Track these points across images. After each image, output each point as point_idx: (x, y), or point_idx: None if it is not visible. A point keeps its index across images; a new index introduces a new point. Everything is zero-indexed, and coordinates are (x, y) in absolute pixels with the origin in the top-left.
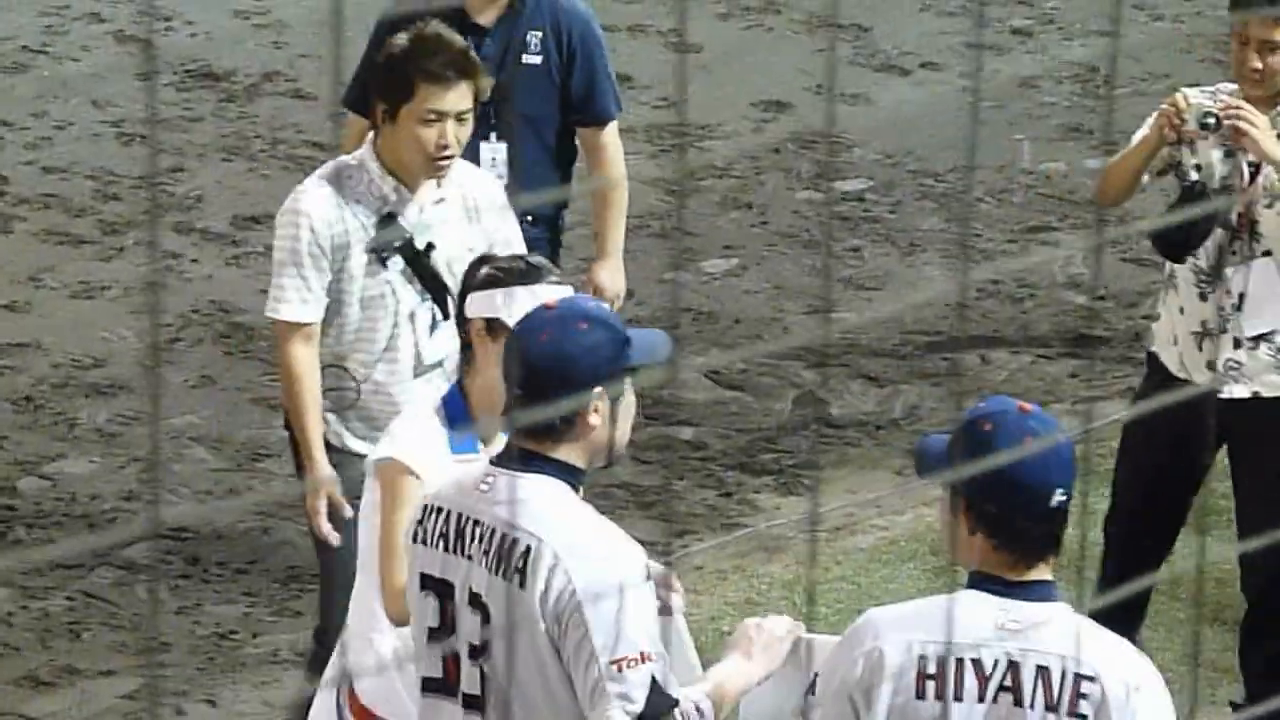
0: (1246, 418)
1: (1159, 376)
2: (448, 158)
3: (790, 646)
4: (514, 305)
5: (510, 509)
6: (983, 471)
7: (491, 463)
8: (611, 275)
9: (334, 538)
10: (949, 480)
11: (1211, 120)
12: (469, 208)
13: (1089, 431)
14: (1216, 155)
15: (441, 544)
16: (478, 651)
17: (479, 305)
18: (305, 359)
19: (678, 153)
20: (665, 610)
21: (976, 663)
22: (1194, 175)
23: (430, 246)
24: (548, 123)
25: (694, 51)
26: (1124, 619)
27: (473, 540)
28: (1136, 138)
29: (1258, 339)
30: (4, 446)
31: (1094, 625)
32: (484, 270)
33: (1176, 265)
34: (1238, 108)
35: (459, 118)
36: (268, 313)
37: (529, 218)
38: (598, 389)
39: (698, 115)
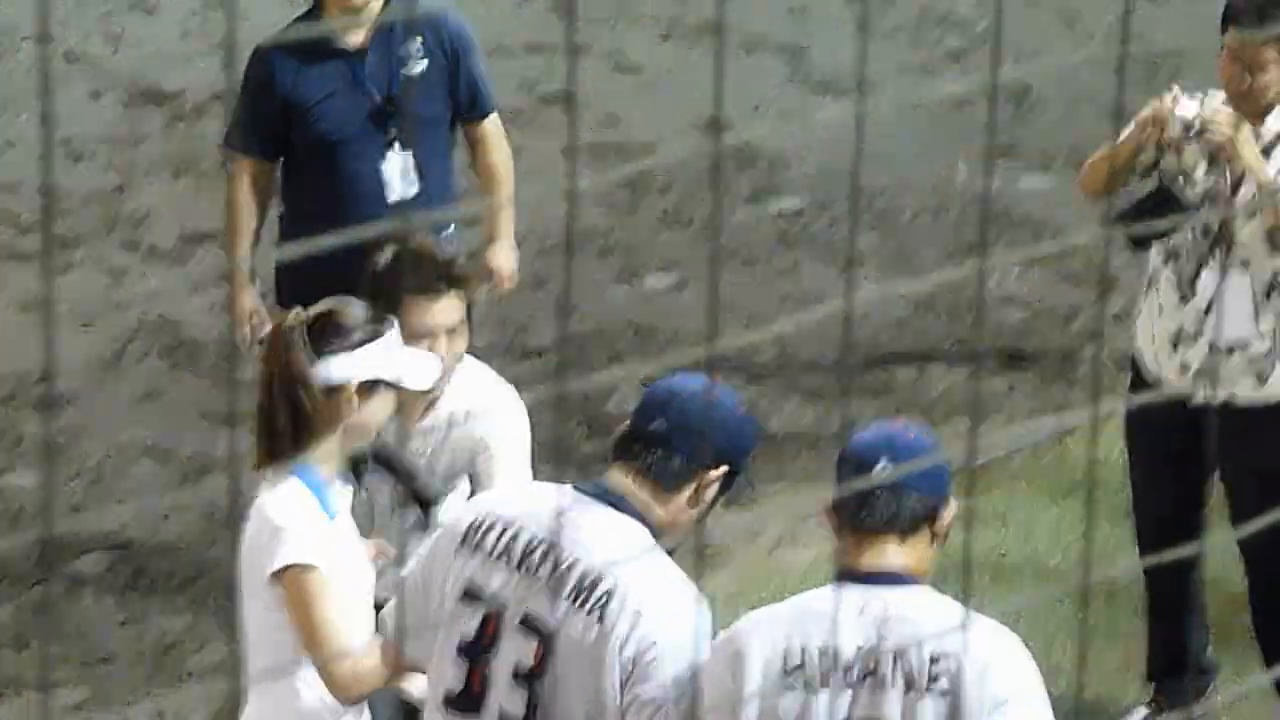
0: (1225, 425)
1: (1137, 377)
2: (441, 378)
3: None
4: (387, 359)
5: (595, 546)
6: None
7: (576, 488)
8: (506, 256)
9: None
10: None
11: (1194, 127)
12: (455, 422)
13: (1038, 445)
14: (1202, 165)
15: (503, 561)
16: (529, 674)
17: (357, 367)
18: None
19: (616, 168)
20: None
21: (837, 652)
22: (1182, 181)
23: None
24: (440, 124)
25: (635, 72)
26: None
27: (544, 563)
28: (1123, 135)
29: (1232, 347)
30: None
31: (952, 604)
32: (337, 328)
33: (1160, 266)
34: (1219, 116)
35: (450, 333)
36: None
37: (451, 228)
38: (724, 468)
39: (639, 134)
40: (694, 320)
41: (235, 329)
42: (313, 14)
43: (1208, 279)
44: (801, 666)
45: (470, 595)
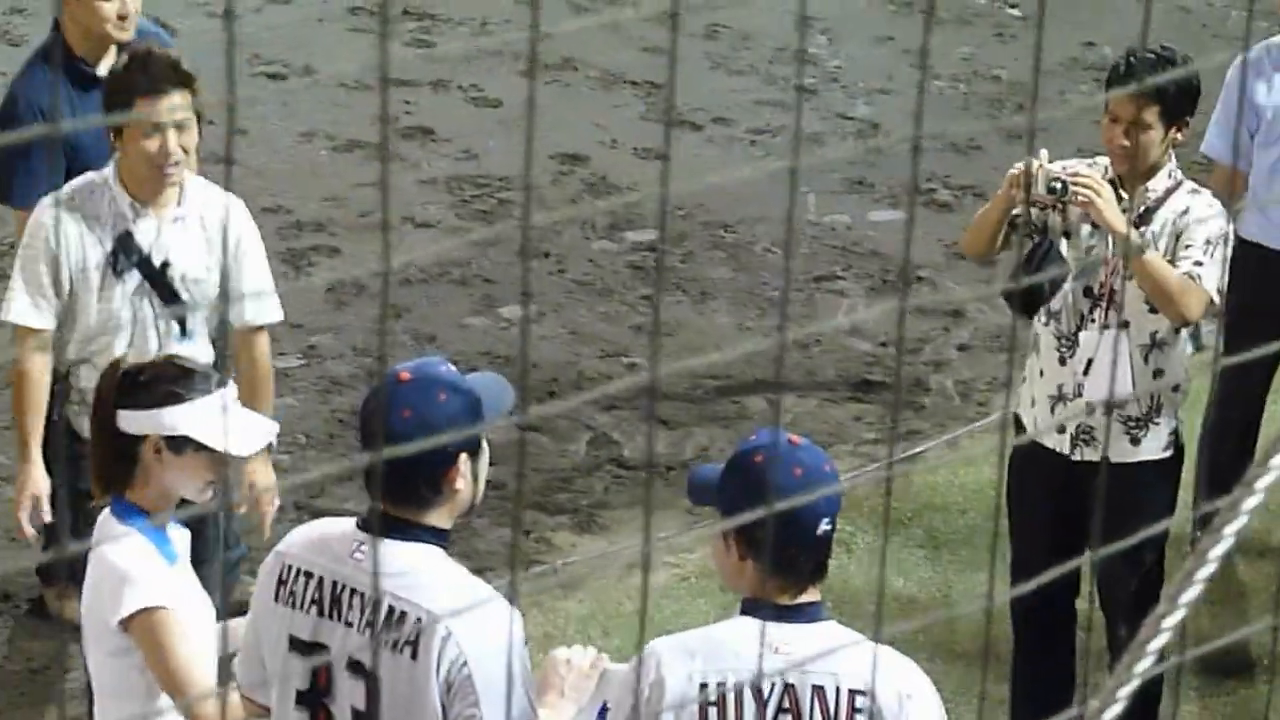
0: (1094, 481)
1: (1021, 436)
2: (173, 166)
3: (596, 679)
4: (198, 417)
5: (396, 581)
6: (751, 502)
7: (359, 527)
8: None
9: (30, 533)
10: (714, 504)
11: (1059, 185)
12: (207, 229)
13: (888, 479)
14: (1086, 224)
15: (315, 609)
16: (362, 716)
17: (151, 423)
18: (35, 362)
19: (481, 202)
20: None
21: (756, 689)
22: (1055, 238)
23: (166, 264)
24: None
25: (494, 106)
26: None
27: (351, 608)
28: (994, 196)
29: (1110, 406)
30: None
31: (862, 640)
32: (141, 382)
33: (1041, 329)
34: (1082, 176)
35: (179, 127)
36: (1, 316)
37: None
38: (463, 455)
39: (497, 168)
40: (549, 349)
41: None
42: (55, 52)
43: (1086, 339)
44: (718, 702)
45: (295, 646)
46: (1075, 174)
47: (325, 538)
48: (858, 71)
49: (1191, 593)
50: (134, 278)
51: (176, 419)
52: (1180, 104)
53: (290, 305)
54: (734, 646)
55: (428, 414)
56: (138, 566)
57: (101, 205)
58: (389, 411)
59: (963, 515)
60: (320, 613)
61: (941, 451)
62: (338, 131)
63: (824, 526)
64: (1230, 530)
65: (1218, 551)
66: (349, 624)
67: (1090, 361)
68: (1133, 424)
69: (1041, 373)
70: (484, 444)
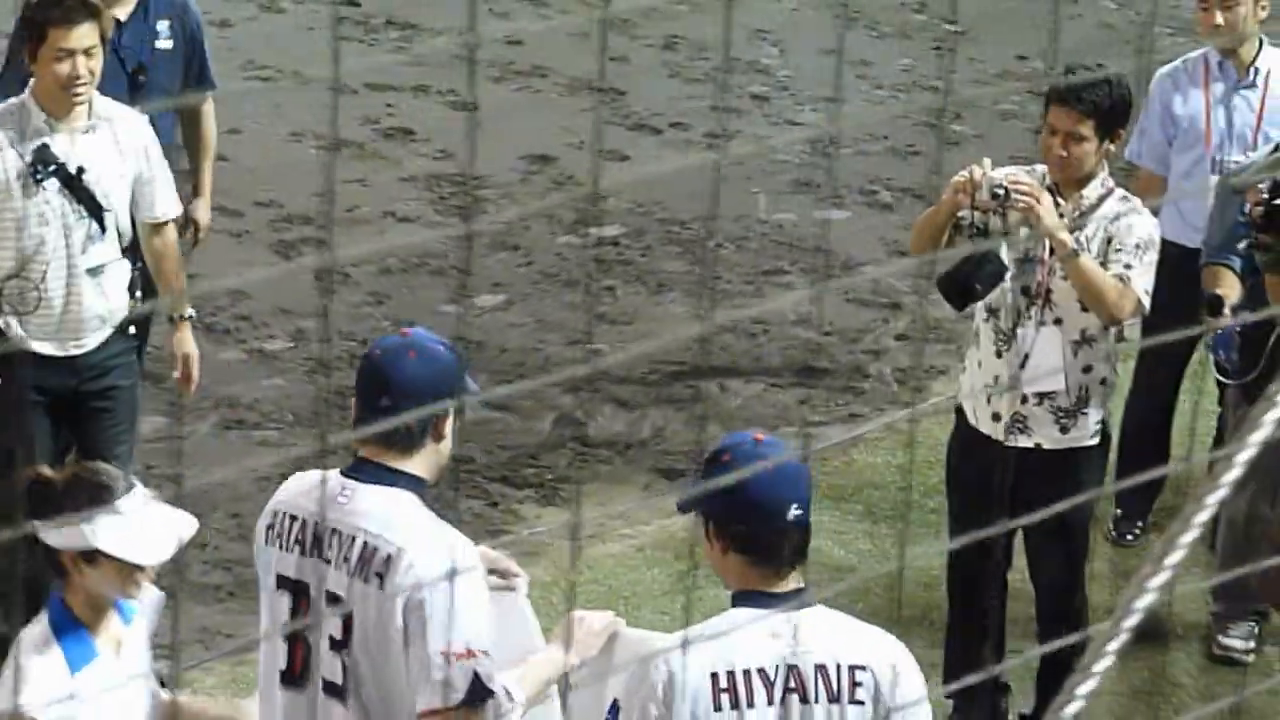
0: (1029, 466)
1: (960, 423)
2: (82, 86)
3: (606, 640)
4: (106, 531)
5: (373, 520)
6: (725, 498)
7: (343, 474)
8: (205, 209)
9: None
10: (696, 508)
11: (1001, 191)
12: (117, 140)
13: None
14: (1024, 228)
15: (298, 549)
16: (338, 644)
17: (67, 538)
18: None
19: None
20: (508, 586)
21: (761, 672)
22: (991, 238)
23: (82, 170)
24: (174, 93)
25: (470, 109)
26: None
27: (330, 547)
28: (940, 201)
29: (1041, 396)
30: None
31: (850, 619)
32: (52, 496)
33: (981, 324)
34: (1023, 183)
35: (87, 52)
36: None
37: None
38: (450, 404)
39: (471, 167)
40: (518, 335)
41: None
42: None
43: (1023, 335)
44: (729, 689)
45: (280, 583)
46: (1016, 181)
47: (313, 485)
48: (804, 81)
49: (1176, 556)
50: (53, 184)
51: (88, 534)
52: (1114, 118)
53: (280, 291)
54: (734, 636)
55: (431, 361)
56: (31, 668)
57: (20, 123)
58: (399, 355)
59: (900, 492)
60: (303, 552)
61: (880, 433)
62: (325, 131)
63: (794, 512)
64: (1211, 500)
65: (1201, 518)
66: (328, 560)
67: (1026, 356)
68: (1062, 414)
69: (980, 364)
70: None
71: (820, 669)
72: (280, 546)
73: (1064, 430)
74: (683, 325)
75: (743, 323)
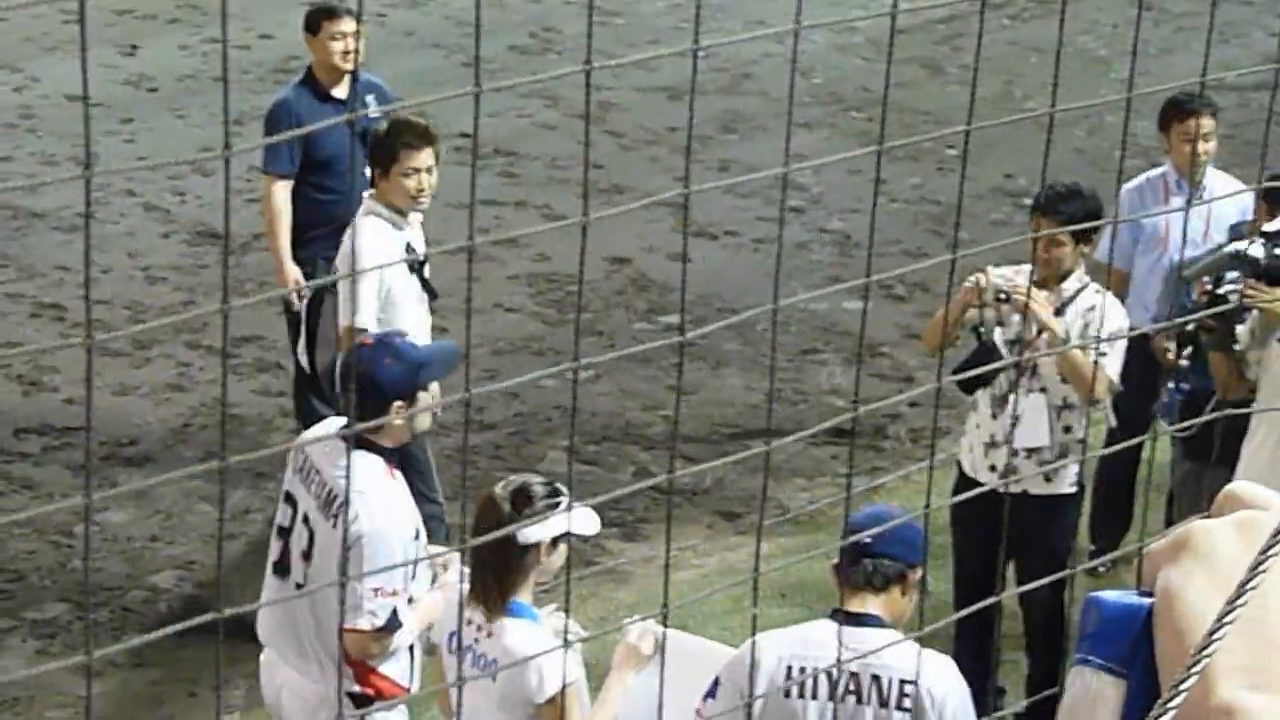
0: (1019, 510)
1: (961, 474)
2: (425, 197)
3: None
4: (572, 519)
5: (341, 473)
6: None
7: (339, 435)
8: None
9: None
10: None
11: (1004, 295)
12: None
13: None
14: (1015, 317)
15: (300, 476)
16: (305, 555)
17: (541, 532)
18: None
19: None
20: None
21: (828, 672)
22: (991, 335)
23: (422, 263)
24: None
25: (561, 219)
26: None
27: (311, 481)
28: (953, 301)
29: (1029, 451)
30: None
31: (912, 643)
32: (527, 500)
33: (980, 393)
34: (1020, 287)
35: (428, 170)
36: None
37: None
38: (398, 401)
39: (564, 266)
40: (604, 403)
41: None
42: (308, 78)
43: (1014, 401)
44: (800, 683)
45: (287, 498)
46: (1015, 286)
47: (322, 434)
48: (834, 196)
49: None
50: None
51: (560, 522)
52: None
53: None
54: (816, 640)
55: (402, 356)
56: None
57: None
58: (375, 359)
59: None
60: (303, 481)
61: (896, 483)
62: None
63: (874, 550)
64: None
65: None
66: (309, 488)
67: (1017, 418)
68: (1048, 465)
69: (979, 425)
70: (419, 396)
71: (875, 679)
72: (295, 471)
73: (1047, 480)
74: (737, 394)
75: (786, 392)
